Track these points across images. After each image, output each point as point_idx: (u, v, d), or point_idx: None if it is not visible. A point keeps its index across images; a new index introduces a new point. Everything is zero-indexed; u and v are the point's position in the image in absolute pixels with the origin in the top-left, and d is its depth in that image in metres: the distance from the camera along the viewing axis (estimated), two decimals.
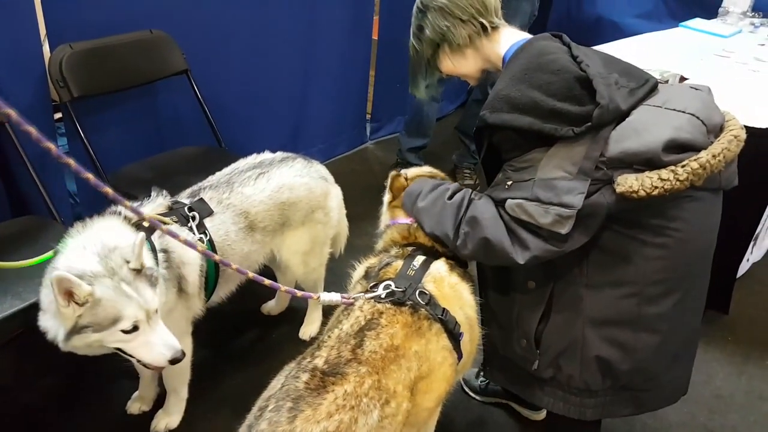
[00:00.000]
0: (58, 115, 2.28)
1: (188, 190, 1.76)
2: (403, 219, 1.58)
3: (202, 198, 1.70)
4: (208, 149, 2.39)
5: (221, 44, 2.62)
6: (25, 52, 2.03)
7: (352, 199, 2.19)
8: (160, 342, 1.37)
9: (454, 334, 1.36)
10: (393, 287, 1.33)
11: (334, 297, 1.33)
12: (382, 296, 1.32)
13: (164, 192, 1.69)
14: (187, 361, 1.76)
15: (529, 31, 4.29)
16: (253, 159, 1.90)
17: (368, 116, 3.81)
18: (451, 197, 1.44)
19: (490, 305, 1.55)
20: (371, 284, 1.40)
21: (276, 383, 1.19)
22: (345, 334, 1.24)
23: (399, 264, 1.44)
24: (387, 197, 1.67)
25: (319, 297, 1.34)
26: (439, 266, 1.47)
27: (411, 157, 3.34)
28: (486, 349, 1.62)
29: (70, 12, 2.11)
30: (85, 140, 2.08)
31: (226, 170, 1.85)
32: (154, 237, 1.54)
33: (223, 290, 1.83)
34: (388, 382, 1.18)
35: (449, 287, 1.44)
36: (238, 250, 1.75)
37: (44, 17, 2.06)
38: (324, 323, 2.20)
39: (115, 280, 1.31)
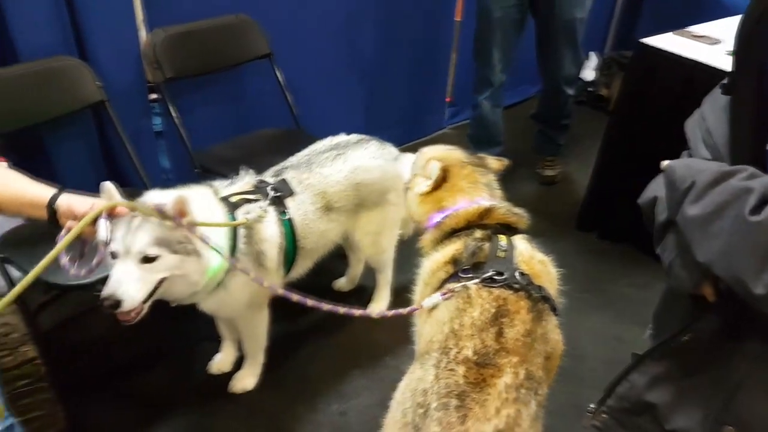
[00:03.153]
0: (153, 96, 2.59)
1: (272, 170, 1.96)
2: (460, 204, 1.57)
3: (284, 179, 1.90)
4: (287, 131, 2.63)
5: (302, 28, 2.84)
6: (124, 36, 2.32)
7: None
8: (114, 277, 1.44)
9: (555, 310, 1.42)
10: (492, 272, 1.37)
11: (437, 297, 1.41)
12: (494, 280, 1.35)
13: (251, 171, 1.91)
14: (263, 329, 2.01)
15: (626, 11, 4.21)
16: (330, 141, 2.10)
17: (448, 100, 3.92)
18: (756, 210, 0.91)
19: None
20: (462, 268, 1.44)
21: (423, 374, 1.22)
22: (480, 322, 1.28)
23: (488, 246, 1.47)
24: (424, 187, 1.61)
25: (423, 305, 1.44)
26: (522, 244, 1.51)
27: None
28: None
29: None
30: (176, 120, 2.37)
31: (305, 151, 2.05)
32: (238, 213, 1.75)
33: (302, 266, 2.04)
34: (533, 369, 1.23)
35: (539, 263, 1.49)
36: (315, 229, 1.95)
37: (141, 3, 2.36)
38: (392, 302, 2.41)
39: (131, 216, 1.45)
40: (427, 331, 1.47)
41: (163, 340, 2.29)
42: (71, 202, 1.33)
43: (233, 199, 1.79)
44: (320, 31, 2.93)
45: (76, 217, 1.29)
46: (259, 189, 1.85)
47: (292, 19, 2.79)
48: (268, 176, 1.94)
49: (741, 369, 1.06)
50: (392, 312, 1.47)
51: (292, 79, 2.69)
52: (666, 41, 2.60)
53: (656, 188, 1.22)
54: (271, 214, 1.83)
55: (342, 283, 2.54)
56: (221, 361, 2.17)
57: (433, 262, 1.59)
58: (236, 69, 2.61)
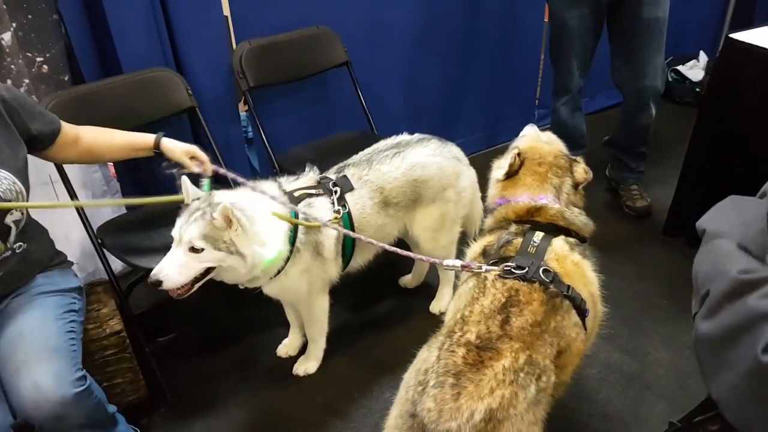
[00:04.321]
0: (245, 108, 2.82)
1: (335, 167, 2.10)
2: (519, 198, 1.65)
3: (345, 175, 2.03)
4: (362, 134, 2.77)
5: (380, 36, 2.98)
6: (216, 50, 2.54)
7: None
8: (164, 260, 1.69)
9: (581, 310, 1.45)
10: (514, 266, 1.42)
11: (456, 263, 1.54)
12: (511, 271, 1.41)
13: (315, 168, 2.06)
14: (323, 315, 2.15)
15: (739, 11, 3.87)
16: (393, 140, 2.19)
17: (536, 102, 3.88)
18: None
19: None
20: (490, 262, 1.50)
21: (428, 355, 1.30)
22: (489, 310, 1.35)
23: (519, 241, 1.53)
24: (500, 174, 1.72)
25: (443, 263, 1.56)
26: (560, 244, 1.54)
27: None
28: None
29: (253, 13, 2.63)
30: (259, 125, 2.58)
31: (368, 150, 2.16)
32: (300, 207, 1.90)
33: (361, 258, 2.14)
34: (538, 357, 1.28)
35: (572, 264, 1.52)
36: (373, 223, 2.06)
37: (232, 20, 2.60)
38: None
39: (195, 206, 1.71)
40: (448, 318, 1.55)
41: (239, 325, 2.50)
42: (172, 144, 1.92)
43: (297, 194, 1.94)
44: (400, 36, 3.05)
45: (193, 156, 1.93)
46: (321, 184, 2.00)
47: (371, 26, 2.93)
48: (332, 173, 2.06)
49: None
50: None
51: (369, 86, 2.83)
52: (757, 36, 2.46)
53: (713, 216, 1.08)
54: (329, 206, 1.95)
55: (407, 280, 2.62)
56: (288, 346, 2.34)
57: (471, 251, 1.68)
58: (315, 76, 2.78)
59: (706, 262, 0.90)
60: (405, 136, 2.22)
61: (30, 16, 2.15)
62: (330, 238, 1.98)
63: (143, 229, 2.14)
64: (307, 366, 2.24)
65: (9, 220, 1.61)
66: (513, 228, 1.61)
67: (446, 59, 3.29)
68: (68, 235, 2.32)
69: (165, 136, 1.93)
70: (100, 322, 1.96)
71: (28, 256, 1.67)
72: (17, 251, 1.63)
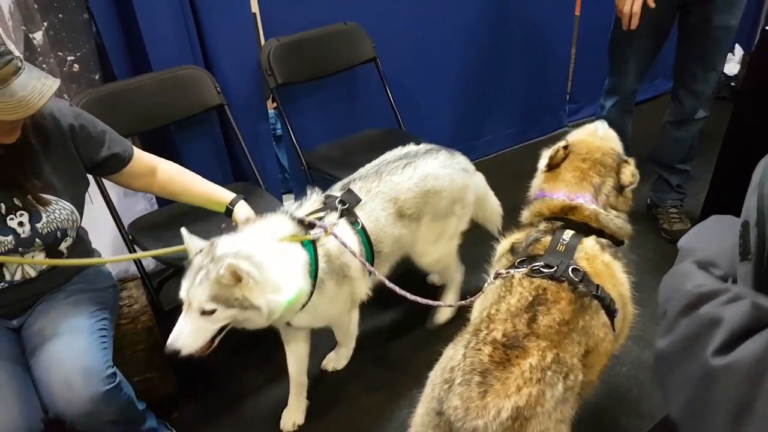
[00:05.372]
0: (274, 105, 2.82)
1: (339, 184, 1.98)
2: (556, 194, 1.62)
3: (350, 189, 1.91)
4: (389, 131, 2.76)
5: (408, 32, 2.97)
6: (244, 48, 2.55)
7: None
8: (176, 327, 1.58)
9: (610, 311, 1.43)
10: (542, 265, 1.41)
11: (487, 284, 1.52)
12: (540, 270, 1.39)
13: (317, 189, 1.93)
14: (354, 326, 2.12)
15: None
16: (399, 151, 2.11)
17: (567, 97, 3.84)
18: (724, 349, 0.69)
19: None
20: (518, 259, 1.49)
21: (454, 353, 1.29)
22: (515, 309, 1.33)
23: (548, 239, 1.51)
24: (542, 164, 1.70)
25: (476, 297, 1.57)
26: (591, 243, 1.51)
27: None
28: None
29: (280, 10, 2.63)
30: (287, 122, 2.60)
31: (374, 162, 2.06)
32: (313, 232, 1.77)
33: (381, 270, 1.99)
34: (566, 356, 1.27)
35: (602, 264, 1.49)
36: (390, 233, 1.96)
37: (261, 17, 2.62)
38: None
39: (198, 263, 1.58)
40: (474, 316, 1.54)
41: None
42: (242, 209, 1.86)
43: (306, 221, 1.81)
44: (427, 32, 3.04)
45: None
46: (328, 204, 1.88)
47: (399, 22, 2.92)
48: (336, 190, 1.95)
49: None
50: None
51: (396, 81, 2.82)
52: None
53: (693, 234, 1.06)
54: (344, 225, 1.85)
55: (435, 278, 2.60)
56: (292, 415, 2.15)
57: (500, 247, 1.67)
58: (343, 73, 2.78)
59: (667, 283, 0.88)
60: (412, 147, 2.14)
61: (61, 15, 2.18)
62: (353, 257, 1.85)
63: (173, 226, 2.12)
64: (337, 363, 2.25)
65: (63, 246, 1.66)
66: (542, 226, 1.59)
67: (475, 54, 3.26)
68: (101, 233, 2.34)
69: (243, 199, 1.89)
70: (132, 318, 1.98)
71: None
72: None
